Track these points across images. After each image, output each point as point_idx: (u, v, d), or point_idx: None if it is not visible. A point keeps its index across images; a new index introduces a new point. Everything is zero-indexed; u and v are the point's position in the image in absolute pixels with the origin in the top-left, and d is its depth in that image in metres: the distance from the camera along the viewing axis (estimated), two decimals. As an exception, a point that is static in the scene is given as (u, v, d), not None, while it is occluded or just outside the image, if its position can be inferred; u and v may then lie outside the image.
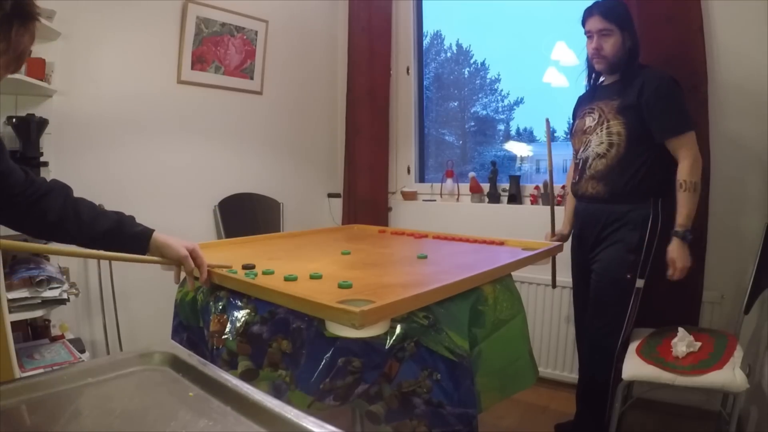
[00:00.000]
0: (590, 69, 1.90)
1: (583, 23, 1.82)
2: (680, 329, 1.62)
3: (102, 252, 1.07)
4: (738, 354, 1.55)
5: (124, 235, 1.11)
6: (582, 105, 1.96)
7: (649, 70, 1.76)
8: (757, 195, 1.97)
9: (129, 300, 2.33)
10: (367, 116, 3.08)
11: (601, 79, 1.91)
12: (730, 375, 1.45)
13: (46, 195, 1.05)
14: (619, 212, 1.74)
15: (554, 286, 2.18)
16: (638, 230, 1.70)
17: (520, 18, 2.88)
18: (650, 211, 1.70)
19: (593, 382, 1.81)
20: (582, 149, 1.86)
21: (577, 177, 1.89)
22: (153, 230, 1.15)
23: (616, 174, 1.74)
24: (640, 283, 1.71)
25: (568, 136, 2.11)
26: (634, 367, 1.59)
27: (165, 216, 2.43)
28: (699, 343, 1.59)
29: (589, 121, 1.84)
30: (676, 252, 1.65)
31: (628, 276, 1.71)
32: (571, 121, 2.07)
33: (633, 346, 1.70)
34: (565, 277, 2.38)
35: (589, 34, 1.81)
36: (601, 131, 1.77)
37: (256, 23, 2.77)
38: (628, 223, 1.73)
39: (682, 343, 1.57)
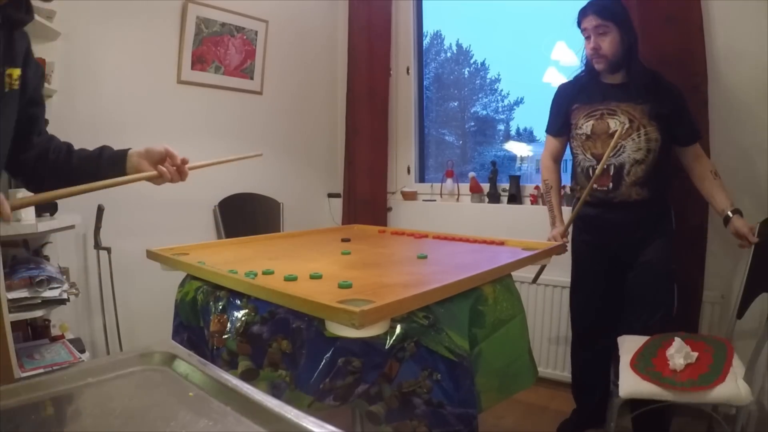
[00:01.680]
0: (588, 70, 1.87)
1: (579, 23, 1.81)
2: (676, 339, 1.54)
3: (92, 184, 1.03)
4: (737, 363, 1.51)
5: (101, 159, 1.12)
6: (581, 101, 1.88)
7: (664, 78, 1.80)
8: (757, 195, 1.97)
9: (129, 300, 2.33)
10: (366, 116, 3.08)
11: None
12: (734, 388, 1.38)
13: (51, 139, 1.18)
14: (659, 210, 1.85)
15: (535, 281, 2.16)
16: (670, 223, 1.86)
17: (520, 18, 2.88)
18: (671, 208, 1.88)
19: None
20: (613, 155, 1.78)
21: (611, 184, 1.81)
22: (128, 149, 1.15)
23: (655, 178, 1.78)
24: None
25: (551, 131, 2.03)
26: (630, 384, 1.49)
27: (165, 216, 2.44)
28: (696, 354, 1.51)
29: (615, 125, 1.78)
30: (745, 225, 1.69)
31: (674, 266, 1.83)
32: (557, 113, 1.98)
33: (626, 359, 1.61)
34: (559, 276, 2.38)
35: (585, 34, 1.80)
36: (639, 137, 1.76)
37: (256, 23, 2.77)
38: (663, 218, 1.85)
39: (679, 354, 1.49)
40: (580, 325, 2.04)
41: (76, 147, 1.20)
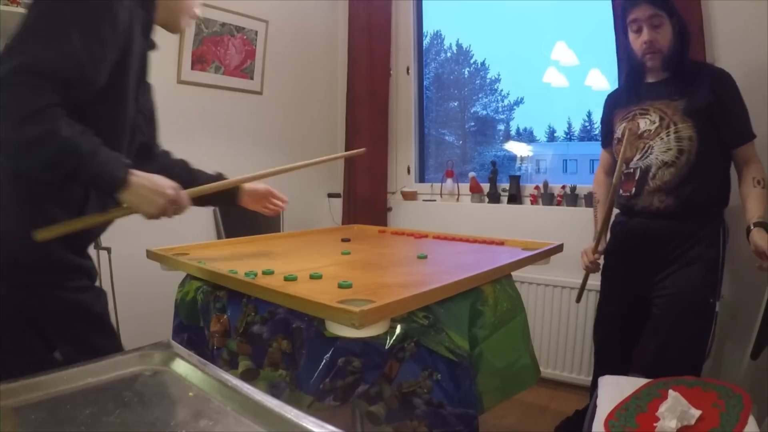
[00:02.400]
0: (634, 67, 1.65)
1: (627, 13, 1.56)
2: (671, 392, 1.17)
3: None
4: (752, 423, 1.13)
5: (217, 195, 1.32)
6: (621, 106, 1.71)
7: (710, 67, 1.59)
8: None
9: (129, 300, 2.33)
10: (366, 116, 3.08)
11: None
12: None
13: (167, 155, 1.49)
14: (692, 228, 1.54)
15: (579, 300, 1.89)
16: (715, 247, 1.51)
17: (520, 18, 2.88)
18: (722, 224, 1.53)
19: None
20: (639, 157, 1.60)
21: (633, 189, 1.62)
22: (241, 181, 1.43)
23: (688, 185, 1.52)
24: (717, 306, 1.53)
25: (589, 137, 1.97)
26: None
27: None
28: (698, 413, 1.14)
29: (646, 124, 1.58)
30: (764, 239, 1.40)
31: (711, 300, 1.51)
32: (603, 124, 1.84)
33: (603, 410, 1.24)
34: (559, 276, 2.38)
35: (635, 26, 1.56)
36: (668, 136, 1.53)
37: (256, 23, 2.77)
38: (703, 239, 1.52)
39: (672, 415, 1.12)
40: (602, 339, 1.85)
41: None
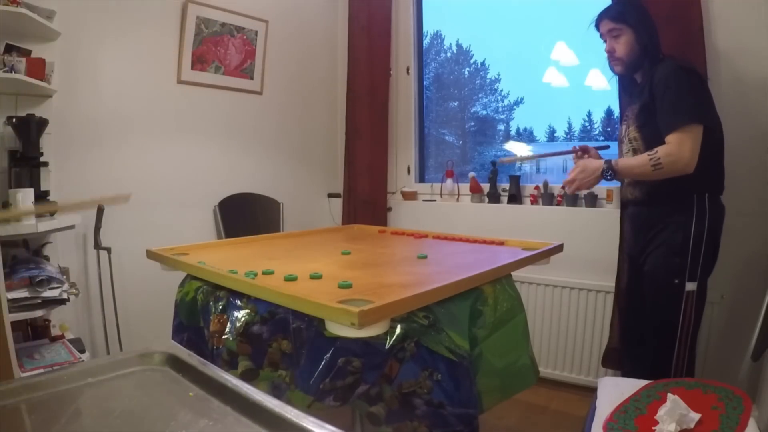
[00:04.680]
0: (613, 73, 1.83)
1: (597, 30, 1.79)
2: (670, 395, 1.16)
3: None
4: (752, 426, 1.12)
5: None
6: (623, 105, 1.94)
7: (663, 62, 1.65)
8: (757, 192, 1.97)
9: (129, 300, 2.33)
10: (367, 116, 3.08)
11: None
12: None
13: None
14: (661, 214, 1.67)
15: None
16: (681, 231, 1.61)
17: (520, 18, 2.88)
18: (694, 209, 1.60)
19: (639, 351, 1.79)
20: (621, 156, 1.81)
21: (621, 183, 1.89)
22: None
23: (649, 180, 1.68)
24: (690, 286, 1.60)
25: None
26: None
27: (165, 216, 2.44)
28: (698, 416, 1.13)
29: (624, 130, 1.80)
30: (586, 164, 1.67)
31: (676, 281, 1.61)
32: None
33: (603, 413, 1.23)
34: (559, 276, 2.38)
35: (603, 38, 1.78)
36: (627, 137, 1.75)
37: (256, 23, 2.77)
38: (669, 225, 1.64)
39: (671, 418, 1.11)
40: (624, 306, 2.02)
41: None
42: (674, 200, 1.64)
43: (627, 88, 1.87)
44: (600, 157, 1.86)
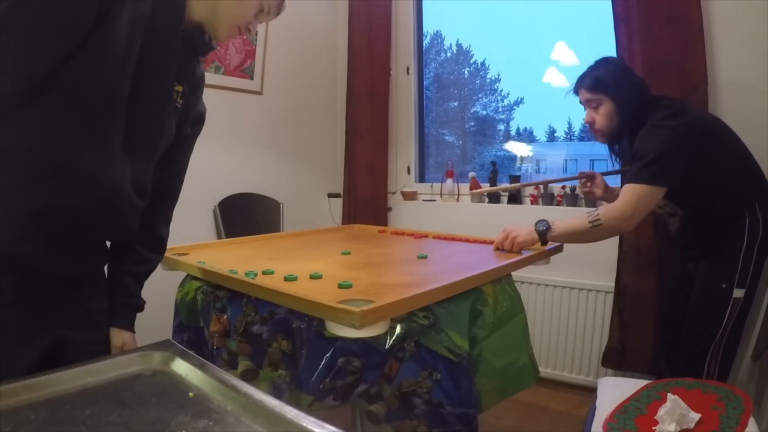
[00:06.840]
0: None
1: (576, 95, 1.72)
2: (670, 395, 1.16)
3: None
4: (753, 425, 1.12)
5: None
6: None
7: (651, 120, 1.56)
8: (757, 195, 1.97)
9: (129, 300, 2.33)
10: (366, 116, 3.08)
11: None
12: None
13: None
14: (704, 230, 1.66)
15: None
16: (735, 242, 1.57)
17: (520, 18, 2.88)
18: (746, 220, 1.57)
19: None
20: None
21: None
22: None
23: (689, 235, 1.69)
24: (738, 293, 1.56)
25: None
26: None
27: (165, 216, 2.44)
28: (698, 416, 1.13)
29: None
30: (522, 229, 1.52)
31: (723, 286, 1.58)
32: None
33: (603, 412, 1.24)
34: (559, 276, 2.38)
35: (582, 106, 1.72)
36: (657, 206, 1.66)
37: (256, 23, 2.77)
38: (713, 238, 1.64)
39: (671, 418, 1.11)
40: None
41: None
42: (723, 221, 1.61)
43: (617, 152, 1.80)
44: (605, 183, 1.82)
